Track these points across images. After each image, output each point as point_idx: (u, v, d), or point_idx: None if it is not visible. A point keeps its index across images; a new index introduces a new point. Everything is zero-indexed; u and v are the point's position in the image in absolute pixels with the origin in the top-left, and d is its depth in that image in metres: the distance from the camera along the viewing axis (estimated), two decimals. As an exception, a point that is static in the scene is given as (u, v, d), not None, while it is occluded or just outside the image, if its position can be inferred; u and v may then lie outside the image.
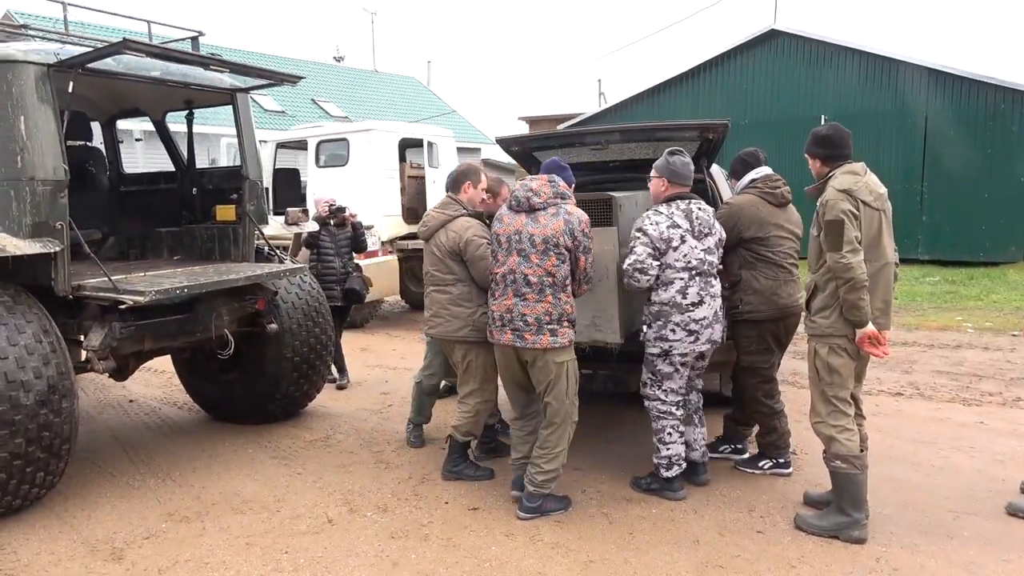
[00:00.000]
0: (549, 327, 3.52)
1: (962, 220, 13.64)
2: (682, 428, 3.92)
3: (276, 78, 4.66)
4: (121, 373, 4.77)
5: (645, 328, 3.82)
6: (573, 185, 3.83)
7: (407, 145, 10.42)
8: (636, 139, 4.86)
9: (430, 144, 10.27)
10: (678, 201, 3.77)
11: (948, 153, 13.75)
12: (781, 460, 4.26)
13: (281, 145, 10.40)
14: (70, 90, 3.97)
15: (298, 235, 7.69)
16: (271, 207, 9.31)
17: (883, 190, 3.45)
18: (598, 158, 5.35)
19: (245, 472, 4.51)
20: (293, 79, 4.70)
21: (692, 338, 3.72)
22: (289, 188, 10.26)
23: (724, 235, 3.92)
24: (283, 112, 21.30)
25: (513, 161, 5.98)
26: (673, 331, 3.71)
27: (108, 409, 6.00)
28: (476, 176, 4.17)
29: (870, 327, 3.30)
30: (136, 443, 5.12)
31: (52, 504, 4.02)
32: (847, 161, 3.47)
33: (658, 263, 3.66)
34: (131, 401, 6.22)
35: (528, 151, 5.30)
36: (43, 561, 3.42)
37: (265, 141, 10.60)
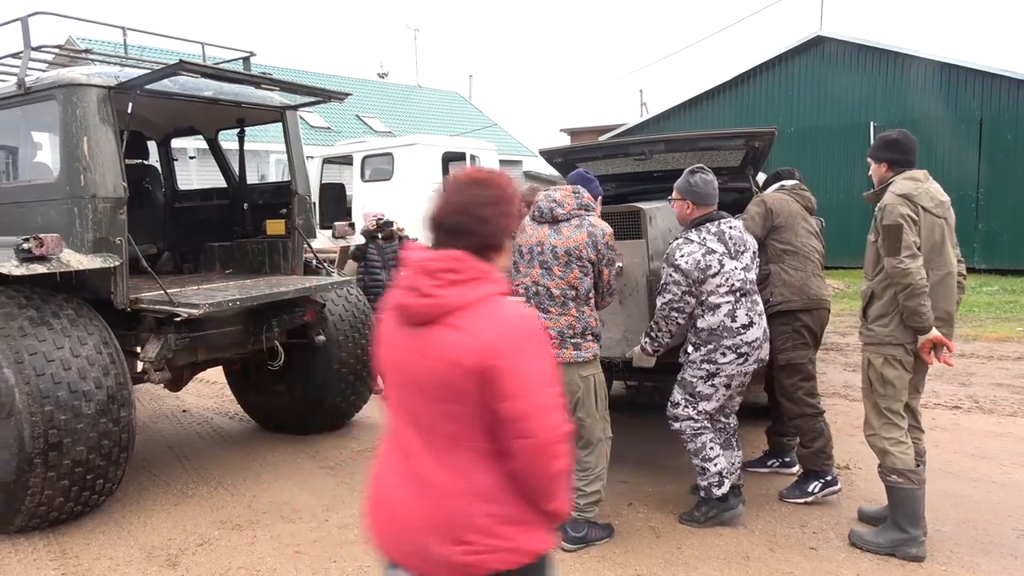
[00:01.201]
0: (572, 340, 3.42)
1: (1021, 228, 13.17)
2: (719, 440, 3.76)
3: (324, 95, 4.77)
4: (176, 384, 4.91)
5: (690, 349, 3.65)
6: (600, 197, 3.76)
7: (450, 159, 10.54)
8: (680, 149, 4.83)
9: (473, 157, 10.38)
10: (708, 224, 3.61)
11: (1005, 159, 13.31)
12: (829, 478, 3.98)
13: (327, 160, 10.63)
14: (129, 111, 4.12)
15: (345, 248, 7.83)
16: (318, 221, 9.50)
17: (945, 198, 3.38)
18: (641, 169, 5.33)
19: (294, 481, 4.58)
20: (340, 96, 4.80)
21: (741, 360, 3.57)
22: (335, 202, 10.47)
23: (756, 246, 3.79)
24: (329, 128, 21.72)
25: (556, 173, 6.00)
26: (724, 354, 3.56)
27: (163, 419, 6.18)
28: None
29: (934, 332, 3.22)
30: (189, 452, 5.25)
31: (111, 511, 4.15)
32: (910, 168, 3.42)
33: (694, 299, 3.54)
34: (184, 411, 6.39)
35: (571, 162, 5.31)
36: (102, 566, 3.53)
37: (312, 157, 10.84)
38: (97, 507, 4.08)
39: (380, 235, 6.56)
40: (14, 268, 3.73)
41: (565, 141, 22.28)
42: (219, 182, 6.03)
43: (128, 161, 5.70)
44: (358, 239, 7.00)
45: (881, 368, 3.37)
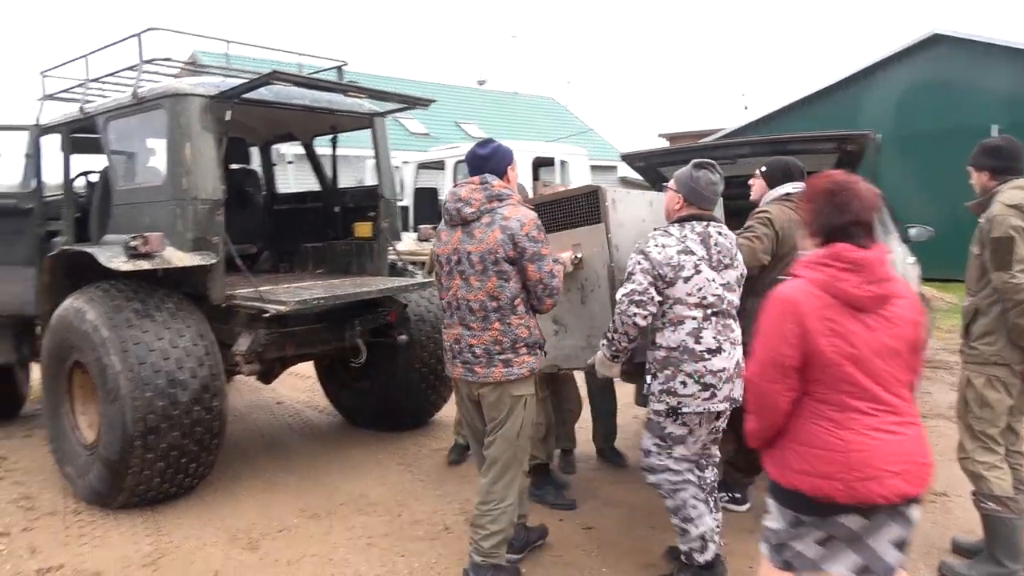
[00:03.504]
0: (501, 357, 2.99)
1: None
2: (703, 495, 3.15)
3: (409, 102, 4.91)
4: (266, 377, 5.17)
5: (648, 379, 3.09)
6: (512, 164, 3.14)
7: (540, 164, 10.59)
8: (768, 152, 4.65)
9: (563, 162, 10.39)
10: (693, 223, 3.08)
11: None
12: (739, 495, 3.94)
13: (422, 165, 10.91)
14: (228, 118, 4.38)
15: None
16: (412, 225, 9.77)
17: None
18: (728, 174, 5.17)
19: (373, 476, 4.73)
20: (425, 103, 4.93)
21: (707, 394, 2.97)
22: (429, 206, 10.74)
23: (745, 270, 3.24)
24: (427, 134, 22.29)
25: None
26: (684, 383, 2.97)
27: (257, 410, 6.51)
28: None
29: None
30: (280, 442, 5.52)
31: (203, 494, 4.41)
32: (1015, 176, 3.18)
33: (660, 298, 2.98)
34: (278, 403, 6.71)
35: (654, 167, 5.23)
36: (190, 545, 3.76)
37: (407, 162, 11.17)
38: (191, 489, 4.35)
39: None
40: (122, 264, 4.04)
41: (663, 146, 21.93)
42: (314, 186, 6.31)
43: (233, 166, 6.10)
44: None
45: (982, 389, 3.14)
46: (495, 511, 3.07)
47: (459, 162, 10.30)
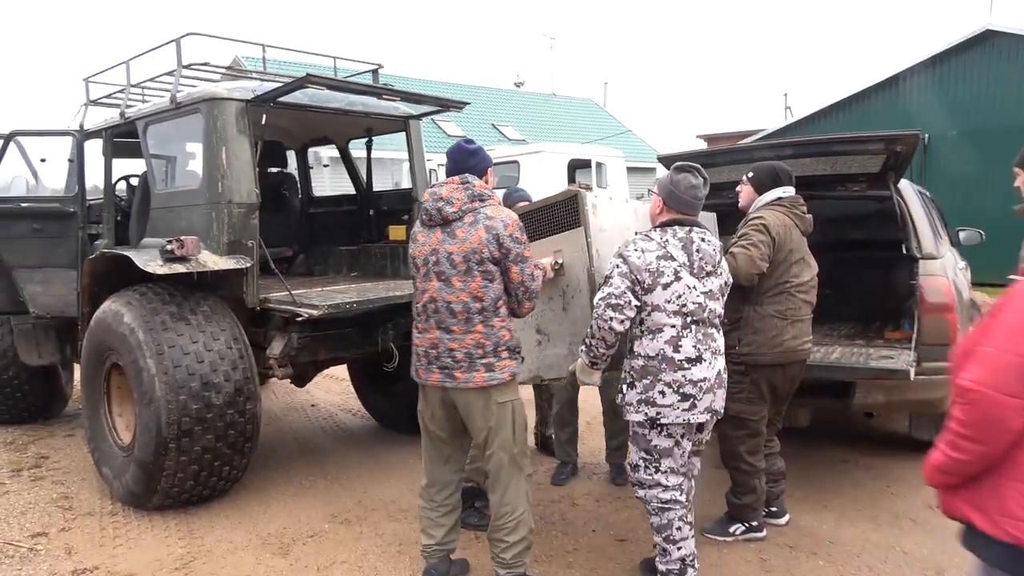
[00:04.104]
0: (483, 361, 2.89)
1: None
2: (690, 518, 3.08)
3: (443, 104, 4.87)
4: (300, 380, 5.17)
5: (625, 388, 3.02)
6: (491, 169, 3.13)
7: (577, 166, 10.52)
8: (811, 154, 4.51)
9: (599, 164, 10.30)
10: (675, 228, 2.99)
11: None
12: (754, 523, 3.71)
13: (457, 168, 10.90)
14: (263, 122, 4.39)
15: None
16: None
17: None
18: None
19: (404, 482, 4.69)
20: (458, 105, 4.89)
21: (687, 403, 2.90)
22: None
23: (731, 278, 3.16)
24: (464, 137, 22.36)
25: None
26: (662, 393, 2.90)
27: (292, 412, 6.54)
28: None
29: None
30: (313, 445, 5.52)
31: (236, 497, 4.42)
32: None
33: (638, 303, 2.90)
34: (312, 406, 6.74)
35: (692, 169, 5.10)
36: (222, 548, 3.76)
37: (443, 164, 11.16)
38: (224, 492, 4.36)
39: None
40: (158, 267, 4.07)
41: (701, 147, 21.62)
42: (349, 189, 6.32)
43: (271, 169, 6.14)
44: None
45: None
46: (511, 523, 3.02)
47: (494, 164, 10.29)
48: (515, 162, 10.02)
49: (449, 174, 3.04)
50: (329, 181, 10.24)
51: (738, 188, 3.86)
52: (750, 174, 3.77)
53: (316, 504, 4.34)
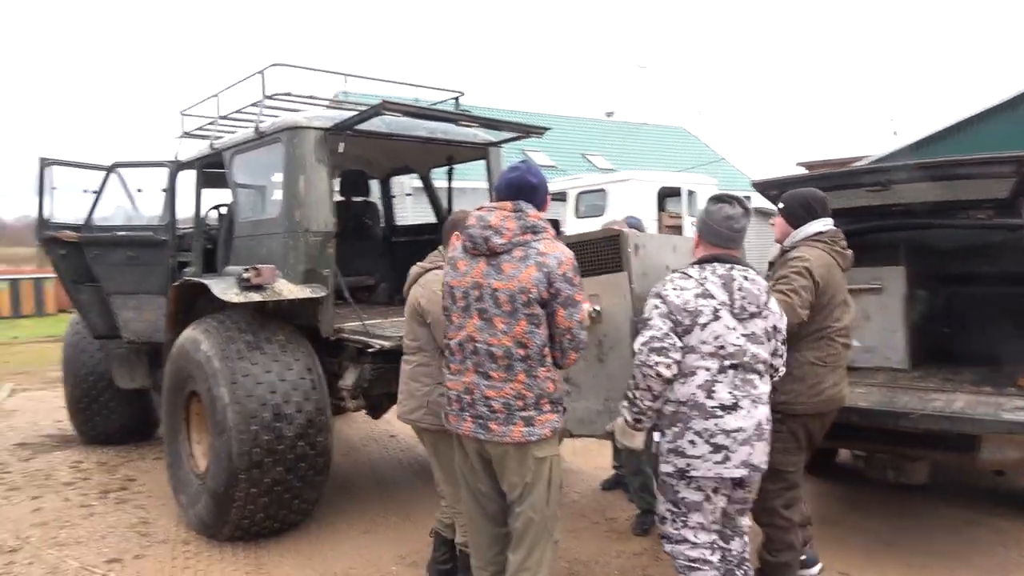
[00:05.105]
0: (523, 414, 2.57)
1: None
2: None
3: (522, 130, 4.74)
4: (375, 411, 5.07)
5: (657, 436, 2.76)
6: (548, 200, 2.80)
7: (666, 194, 10.19)
8: (927, 177, 4.07)
9: (689, 192, 9.92)
10: (715, 264, 2.74)
11: None
12: (804, 557, 3.39)
13: (543, 197, 10.78)
14: (341, 151, 4.37)
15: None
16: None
17: None
18: (880, 202, 4.60)
19: (477, 522, 4.47)
20: (539, 131, 4.74)
21: (718, 456, 2.62)
22: (549, 238, 10.58)
23: (783, 322, 2.83)
24: (554, 166, 22.28)
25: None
26: (692, 443, 2.63)
27: (371, 442, 6.47)
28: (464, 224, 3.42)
29: None
30: (388, 479, 5.40)
31: (307, 530, 4.33)
32: None
33: (682, 345, 2.64)
34: (392, 436, 6.65)
35: (791, 196, 4.73)
36: (287, 587, 3.65)
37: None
38: (295, 525, 4.27)
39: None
40: (234, 296, 4.07)
41: (800, 173, 20.69)
42: (431, 218, 6.26)
43: (354, 198, 6.17)
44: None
45: None
46: None
47: (581, 193, 10.08)
48: (602, 190, 9.79)
49: (501, 198, 2.70)
50: (411, 210, 10.30)
51: (771, 220, 3.56)
52: (781, 205, 3.45)
53: (385, 543, 4.18)
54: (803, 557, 3.45)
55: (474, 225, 2.63)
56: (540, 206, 2.70)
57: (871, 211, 4.70)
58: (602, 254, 3.11)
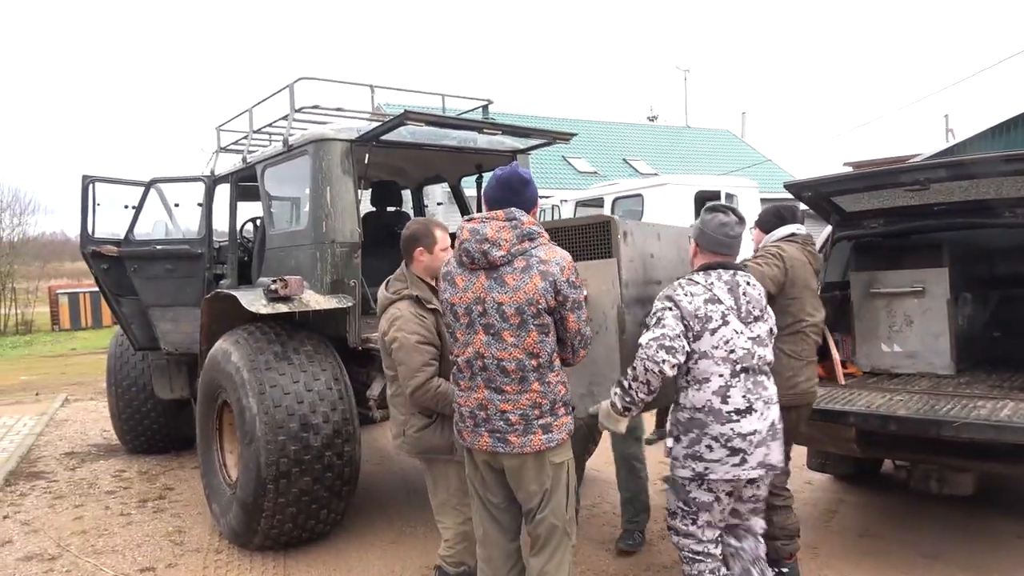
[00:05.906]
0: (540, 422, 2.54)
1: None
2: (724, 571, 2.87)
3: (548, 136, 4.70)
4: (405, 422, 5.06)
5: (671, 442, 2.83)
6: (538, 204, 2.78)
7: (705, 198, 9.98)
8: (970, 175, 3.90)
9: (729, 195, 9.73)
10: (720, 271, 2.80)
11: None
12: (785, 570, 3.39)
13: (580, 203, 10.71)
14: (367, 161, 4.39)
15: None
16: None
17: None
18: (920, 201, 4.42)
19: (506, 533, 4.42)
20: (566, 137, 4.69)
21: (736, 459, 2.67)
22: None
23: (775, 325, 2.93)
24: (595, 172, 22.15)
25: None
26: (709, 448, 2.69)
27: (405, 452, 6.47)
28: (428, 238, 3.19)
29: None
30: (419, 487, 5.34)
31: (336, 539, 4.34)
32: None
33: (689, 350, 2.69)
34: (426, 446, 6.64)
35: (826, 196, 4.59)
36: (312, 597, 3.66)
37: (565, 200, 11.03)
38: (323, 536, 4.29)
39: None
40: (262, 307, 4.12)
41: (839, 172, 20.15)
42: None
43: (387, 208, 6.20)
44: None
45: None
46: None
47: (618, 198, 9.98)
48: (639, 195, 9.67)
49: (492, 204, 2.63)
50: (443, 220, 10.33)
51: (752, 230, 3.77)
52: (756, 218, 3.75)
53: (413, 554, 4.16)
54: (784, 570, 3.42)
55: (469, 239, 2.55)
56: (531, 205, 2.67)
57: (912, 211, 4.52)
58: (592, 239, 3.13)
